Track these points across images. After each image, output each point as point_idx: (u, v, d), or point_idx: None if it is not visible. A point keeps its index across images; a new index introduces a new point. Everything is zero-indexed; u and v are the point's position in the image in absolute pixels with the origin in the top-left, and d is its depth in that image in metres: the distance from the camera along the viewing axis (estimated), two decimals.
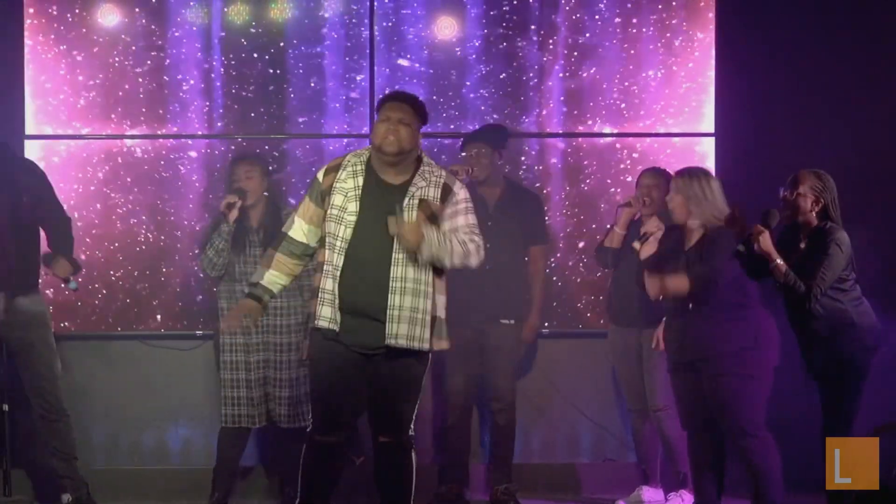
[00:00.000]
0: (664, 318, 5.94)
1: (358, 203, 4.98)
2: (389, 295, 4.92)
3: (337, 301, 4.95)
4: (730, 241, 5.52)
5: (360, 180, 5.02)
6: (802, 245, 5.60)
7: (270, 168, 6.75)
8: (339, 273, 4.94)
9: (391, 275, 4.92)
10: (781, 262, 5.40)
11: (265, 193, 6.42)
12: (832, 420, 5.54)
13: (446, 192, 5.04)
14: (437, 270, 5.01)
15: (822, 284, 5.44)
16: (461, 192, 5.08)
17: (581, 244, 7.23)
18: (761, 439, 5.59)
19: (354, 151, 5.17)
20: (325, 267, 4.99)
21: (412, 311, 4.93)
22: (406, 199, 4.99)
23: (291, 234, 5.13)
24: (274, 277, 5.13)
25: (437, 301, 5.01)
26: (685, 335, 5.68)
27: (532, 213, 6.74)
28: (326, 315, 4.98)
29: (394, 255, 4.92)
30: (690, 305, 5.64)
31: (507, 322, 6.61)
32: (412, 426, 5.07)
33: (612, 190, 7.23)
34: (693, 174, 5.76)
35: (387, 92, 5.12)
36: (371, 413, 5.08)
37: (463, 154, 6.72)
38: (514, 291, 6.64)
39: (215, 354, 6.55)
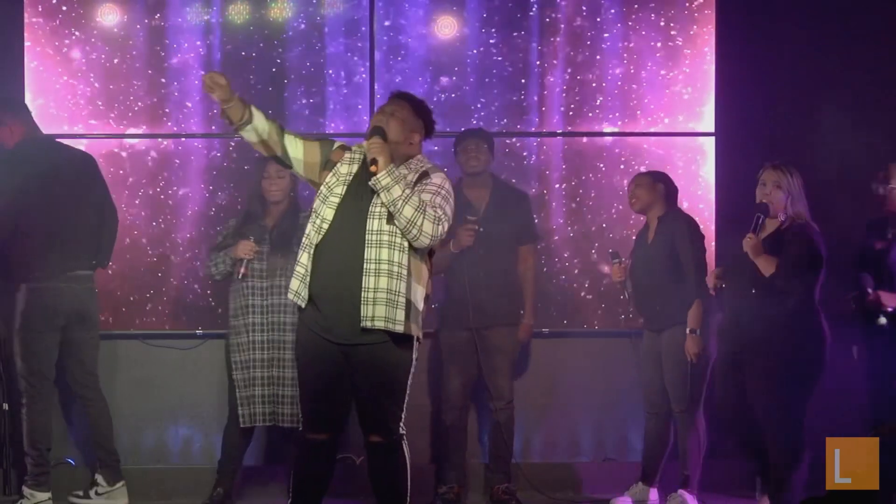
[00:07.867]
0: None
1: (345, 188, 5.02)
2: (363, 277, 4.91)
3: (308, 277, 4.97)
4: (808, 243, 5.61)
5: (355, 168, 5.07)
6: (889, 235, 5.71)
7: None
8: (313, 250, 4.97)
9: (365, 256, 4.92)
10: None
11: (291, 194, 6.44)
12: None
13: (423, 176, 5.05)
14: (415, 254, 4.98)
15: None
16: (437, 179, 5.05)
17: (580, 244, 7.25)
18: (796, 437, 5.67)
19: (361, 143, 5.17)
20: (303, 241, 5.05)
21: (387, 292, 4.91)
22: None
23: (288, 133, 5.07)
24: (263, 119, 5.02)
25: (413, 287, 4.98)
26: (748, 322, 5.74)
27: (521, 212, 6.75)
28: (296, 289, 5.01)
29: (367, 237, 4.93)
30: (753, 290, 5.67)
31: (504, 325, 6.61)
32: (402, 424, 5.06)
33: (613, 189, 7.24)
34: (787, 169, 5.80)
35: None
36: (359, 413, 5.09)
37: (457, 148, 6.72)
38: (509, 293, 6.64)
39: (226, 355, 6.49)
